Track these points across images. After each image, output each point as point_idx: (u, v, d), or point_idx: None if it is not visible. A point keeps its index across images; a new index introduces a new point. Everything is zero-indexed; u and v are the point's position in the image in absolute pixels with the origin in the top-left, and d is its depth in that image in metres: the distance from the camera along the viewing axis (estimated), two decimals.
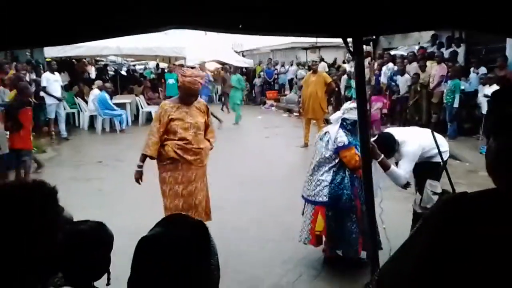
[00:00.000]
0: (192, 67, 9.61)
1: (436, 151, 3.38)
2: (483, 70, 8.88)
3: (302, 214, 3.77)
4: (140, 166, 3.91)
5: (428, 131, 3.69)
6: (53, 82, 9.88)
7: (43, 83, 9.75)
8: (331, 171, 3.47)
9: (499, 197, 1.03)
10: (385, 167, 3.31)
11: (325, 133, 3.59)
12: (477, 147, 7.70)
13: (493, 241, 0.95)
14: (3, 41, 1.66)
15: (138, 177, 3.97)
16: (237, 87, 12.74)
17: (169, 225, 1.09)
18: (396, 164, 3.57)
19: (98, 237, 1.54)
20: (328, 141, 3.50)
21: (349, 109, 3.42)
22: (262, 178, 6.50)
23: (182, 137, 3.71)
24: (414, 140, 3.53)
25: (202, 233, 1.04)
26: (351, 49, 2.26)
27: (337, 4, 1.96)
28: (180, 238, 1.01)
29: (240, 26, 2.05)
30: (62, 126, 9.99)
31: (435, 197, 3.14)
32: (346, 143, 3.43)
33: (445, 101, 8.76)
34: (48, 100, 9.80)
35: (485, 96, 7.78)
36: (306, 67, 16.91)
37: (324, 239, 3.66)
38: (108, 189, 6.20)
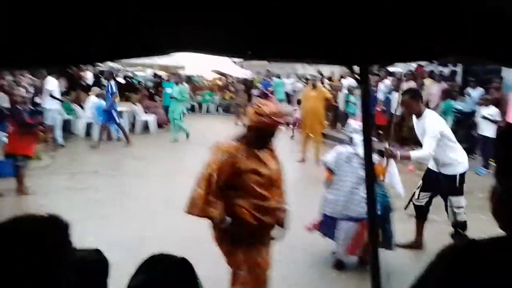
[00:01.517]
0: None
1: (451, 157, 4.01)
2: (480, 90, 8.99)
3: (325, 235, 4.10)
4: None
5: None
6: (56, 86, 9.83)
7: (49, 87, 9.60)
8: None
9: (507, 245, 1.03)
10: (408, 157, 4.11)
11: (353, 154, 3.93)
12: (474, 167, 7.75)
13: None
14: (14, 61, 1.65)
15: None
16: (178, 98, 11.24)
17: (153, 269, 1.06)
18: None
19: (96, 266, 1.52)
20: (359, 162, 3.82)
21: (357, 129, 3.87)
22: None
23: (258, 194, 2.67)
24: (431, 116, 4.11)
25: (189, 273, 1.01)
26: (357, 76, 2.28)
27: (344, 32, 1.98)
28: (167, 283, 0.97)
29: (249, 52, 2.08)
30: (59, 132, 9.91)
31: (460, 210, 4.08)
32: (376, 162, 3.67)
33: None
34: (51, 105, 9.62)
35: (483, 117, 7.86)
36: (304, 80, 17.05)
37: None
38: (104, 200, 6.15)
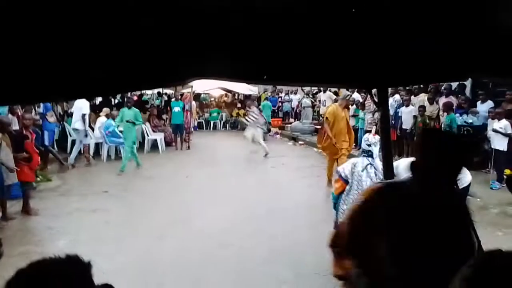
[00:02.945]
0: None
1: None
2: (490, 103, 8.91)
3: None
4: None
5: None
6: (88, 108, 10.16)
7: (83, 110, 9.86)
8: None
9: None
10: None
11: (369, 165, 4.08)
12: (487, 181, 7.62)
13: None
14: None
15: None
16: (133, 122, 9.80)
17: None
18: None
19: None
20: (375, 173, 4.03)
21: (375, 142, 4.12)
22: (269, 211, 6.43)
23: None
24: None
25: None
26: (376, 99, 2.25)
27: (362, 56, 1.97)
28: None
29: (265, 77, 2.07)
30: (75, 153, 9.99)
31: None
32: None
33: None
34: (80, 126, 9.92)
35: (494, 130, 7.77)
36: (311, 96, 17.08)
37: None
38: (115, 221, 6.11)
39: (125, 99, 10.78)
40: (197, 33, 1.42)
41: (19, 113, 8.05)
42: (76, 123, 10.03)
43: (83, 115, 9.90)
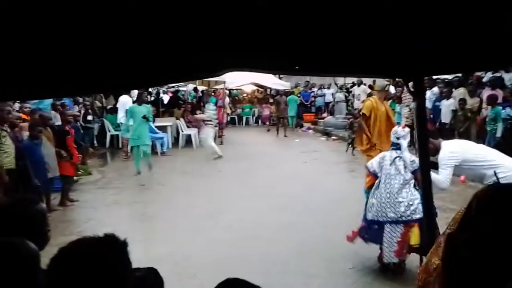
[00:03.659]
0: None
1: (487, 168, 3.62)
2: None
3: (370, 240, 4.15)
4: None
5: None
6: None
7: (128, 106, 10.06)
8: (415, 189, 3.95)
9: None
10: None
11: (397, 158, 4.07)
12: None
13: None
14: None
15: None
16: (147, 119, 8.74)
17: None
18: None
19: (153, 284, 1.54)
20: (404, 165, 4.02)
21: (405, 135, 4.15)
22: (301, 205, 6.40)
23: None
24: (445, 147, 3.86)
25: None
26: (412, 89, 2.17)
27: (398, 45, 1.91)
28: None
29: (297, 67, 2.04)
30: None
31: None
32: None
33: (488, 129, 8.32)
34: (126, 121, 10.20)
35: None
36: (344, 90, 16.79)
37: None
38: (151, 214, 6.30)
39: (139, 95, 9.66)
40: (227, 24, 1.43)
41: (61, 109, 8.41)
42: (122, 118, 10.41)
43: (127, 110, 10.08)
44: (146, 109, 8.83)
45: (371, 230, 4.09)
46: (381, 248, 4.08)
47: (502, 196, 1.24)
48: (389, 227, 3.96)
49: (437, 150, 3.96)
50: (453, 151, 3.85)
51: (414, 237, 3.86)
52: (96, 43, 1.26)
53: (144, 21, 1.24)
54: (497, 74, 9.38)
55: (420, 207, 3.80)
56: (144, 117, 8.53)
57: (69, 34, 1.17)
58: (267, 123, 17.91)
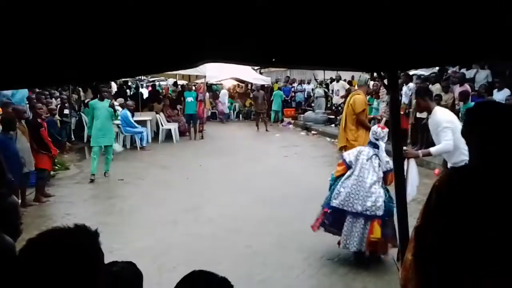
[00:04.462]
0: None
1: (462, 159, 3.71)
2: (507, 91, 8.71)
3: (329, 226, 4.32)
4: None
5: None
6: None
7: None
8: (383, 188, 4.15)
9: None
10: (429, 154, 4.18)
11: (374, 155, 4.22)
12: None
13: None
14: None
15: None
16: (108, 118, 8.11)
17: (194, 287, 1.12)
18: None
19: (131, 278, 1.54)
20: (379, 164, 4.18)
21: (383, 136, 4.25)
22: (281, 199, 6.46)
23: None
24: (439, 112, 4.06)
25: None
26: (386, 82, 2.24)
27: (372, 39, 1.96)
28: None
29: (273, 59, 2.08)
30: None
31: None
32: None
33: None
34: None
35: None
36: (324, 86, 16.95)
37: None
38: (129, 208, 6.24)
39: (98, 90, 8.98)
40: (206, 16, 1.44)
41: (34, 101, 8.17)
42: None
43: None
44: (108, 104, 8.09)
45: (332, 217, 4.25)
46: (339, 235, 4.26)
47: (458, 180, 1.31)
48: (351, 218, 4.13)
49: (429, 110, 4.16)
50: (450, 120, 4.00)
51: (375, 231, 4.04)
52: (73, 32, 1.26)
53: (122, 12, 1.25)
54: (463, 71, 9.66)
55: (383, 205, 4.05)
56: (110, 106, 8.02)
57: (43, 22, 1.17)
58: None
